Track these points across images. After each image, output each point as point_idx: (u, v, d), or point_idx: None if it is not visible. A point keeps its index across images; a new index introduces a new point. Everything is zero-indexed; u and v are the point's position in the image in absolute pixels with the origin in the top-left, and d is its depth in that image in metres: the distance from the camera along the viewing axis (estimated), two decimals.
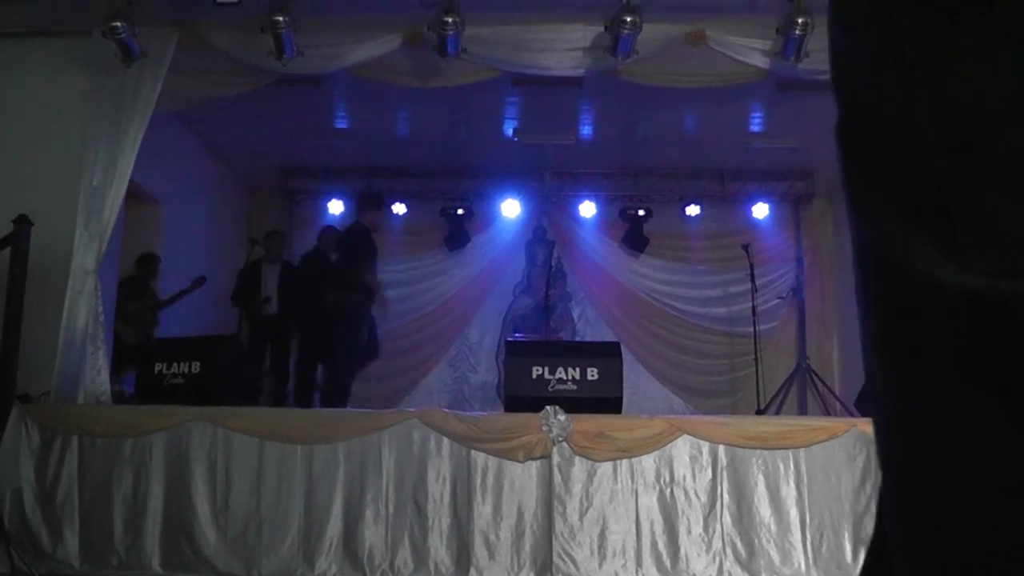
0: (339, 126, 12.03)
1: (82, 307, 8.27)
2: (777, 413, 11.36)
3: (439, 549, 7.46)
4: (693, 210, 13.55)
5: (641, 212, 13.40)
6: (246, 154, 12.69)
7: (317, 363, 10.40)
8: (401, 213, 13.37)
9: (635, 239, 13.51)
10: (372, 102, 10.87)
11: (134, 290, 10.54)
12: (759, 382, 11.54)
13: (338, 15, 8.55)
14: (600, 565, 7.44)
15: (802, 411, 12.32)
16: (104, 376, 8.39)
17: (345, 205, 13.27)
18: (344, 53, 8.63)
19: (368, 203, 10.52)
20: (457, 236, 13.25)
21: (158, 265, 10.88)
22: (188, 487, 7.54)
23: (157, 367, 8.23)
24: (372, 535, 7.47)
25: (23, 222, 7.85)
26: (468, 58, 8.51)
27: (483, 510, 7.51)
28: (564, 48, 8.78)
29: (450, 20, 8.00)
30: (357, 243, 10.10)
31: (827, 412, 11.86)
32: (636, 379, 11.61)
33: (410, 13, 8.34)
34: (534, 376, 8.05)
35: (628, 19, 7.97)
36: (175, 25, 8.66)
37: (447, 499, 7.54)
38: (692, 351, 13.69)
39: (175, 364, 8.20)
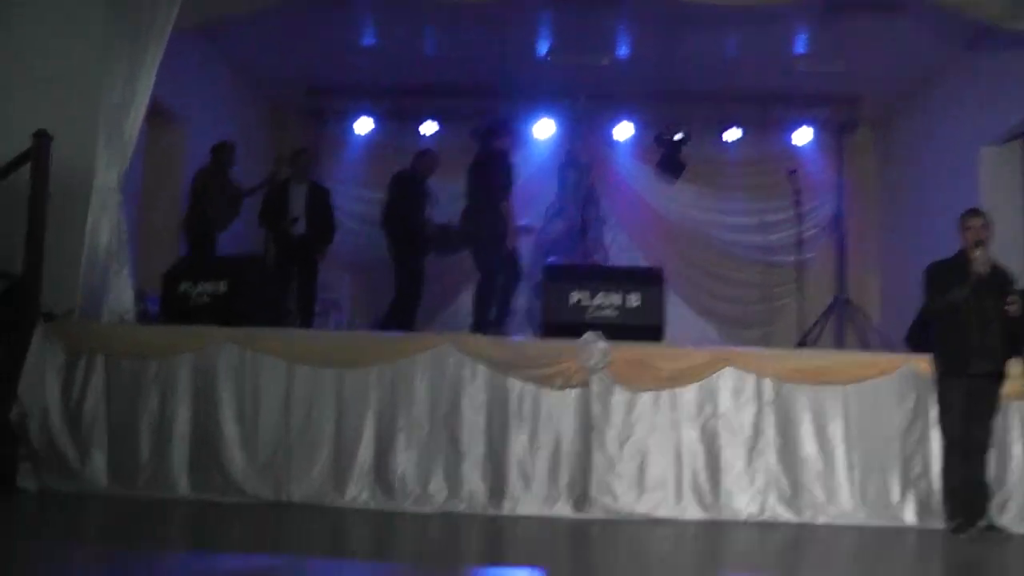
0: (366, 43, 11.58)
1: (105, 224, 8.05)
2: (815, 345, 11.07)
3: (473, 478, 7.27)
4: (733, 135, 13.19)
5: (678, 136, 13.01)
6: (272, 73, 12.35)
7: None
8: (431, 133, 13.03)
9: (671, 164, 13.14)
10: (400, 18, 10.53)
11: (215, 181, 10.45)
12: (800, 313, 11.26)
13: None
14: (639, 498, 7.25)
15: (840, 344, 12.01)
16: (128, 295, 8.15)
17: (375, 123, 12.97)
18: None
19: (503, 129, 10.39)
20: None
21: (234, 153, 10.71)
22: (216, 410, 7.34)
23: (183, 286, 7.98)
24: (404, 461, 7.27)
25: (42, 137, 7.60)
26: None
27: (519, 439, 7.31)
28: None
29: None
30: (500, 170, 9.86)
31: (865, 346, 11.59)
32: (669, 306, 11.28)
33: None
34: (573, 302, 7.79)
35: None
36: None
37: (482, 427, 7.34)
38: (727, 280, 13.44)
39: (201, 283, 7.95)
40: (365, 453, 7.30)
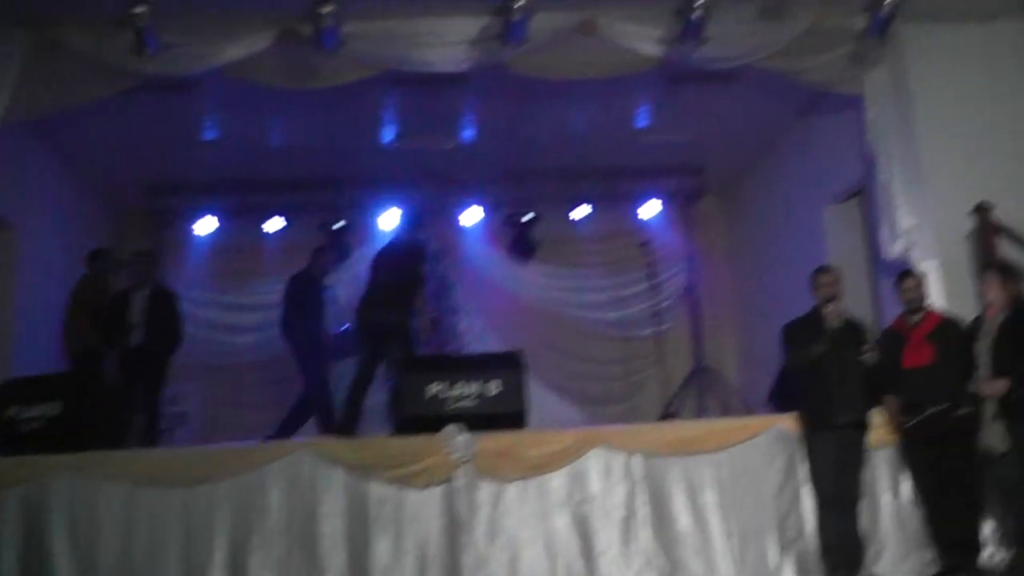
0: (209, 137, 11.13)
1: None
2: (679, 415, 11.00)
3: None
4: (582, 211, 13.16)
5: (528, 217, 12.96)
6: (109, 171, 11.66)
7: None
8: (276, 230, 12.63)
9: (523, 245, 13.10)
10: (244, 109, 10.11)
11: (96, 290, 9.96)
12: (662, 384, 11.18)
13: (206, 10, 7.86)
14: None
15: (703, 412, 11.98)
16: None
17: (219, 222, 12.45)
18: (213, 52, 7.93)
19: (423, 218, 10.12)
20: (337, 251, 12.54)
21: (111, 259, 10.29)
22: (48, 550, 6.72)
23: (10, 411, 7.41)
24: None
25: None
26: (347, 55, 7.94)
27: (381, 545, 6.94)
28: (451, 42, 8.30)
29: (327, 10, 7.41)
30: (417, 261, 9.45)
31: (727, 411, 11.58)
32: (529, 390, 11.09)
33: (285, 6, 7.74)
34: (430, 394, 7.49)
35: (521, 2, 7.49)
36: (24, 26, 7.93)
37: (341, 537, 6.93)
38: (586, 357, 13.28)
39: (31, 406, 7.40)
40: None
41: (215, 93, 9.46)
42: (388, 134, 11.29)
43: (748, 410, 10.62)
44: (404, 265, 9.35)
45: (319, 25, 7.50)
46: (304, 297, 10.11)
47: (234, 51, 7.93)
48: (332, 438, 7.71)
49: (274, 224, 12.65)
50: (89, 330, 9.74)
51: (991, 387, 6.84)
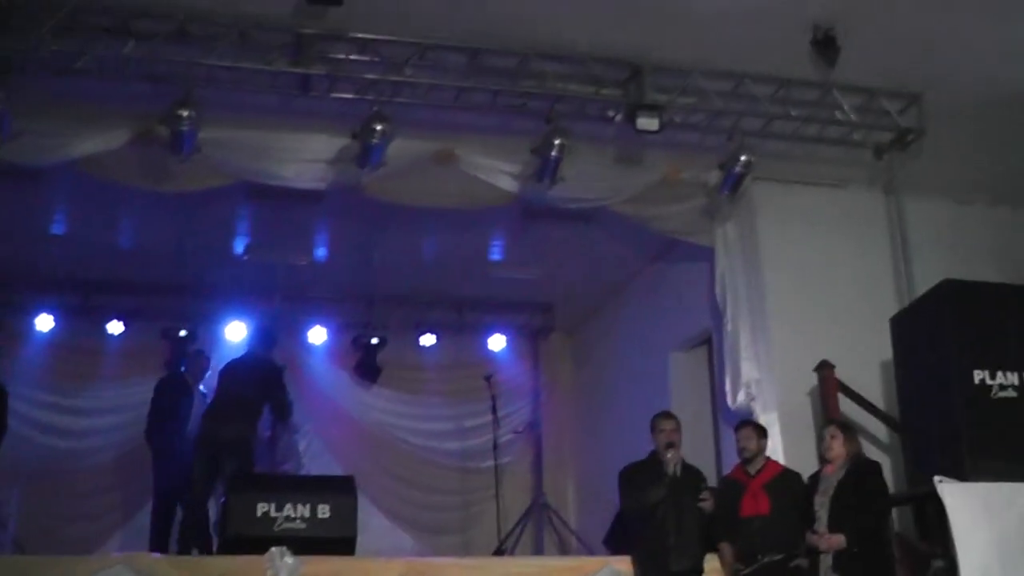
0: (54, 232, 10.71)
1: None
2: (513, 550, 10.91)
3: None
4: (429, 339, 13.11)
5: (375, 340, 12.85)
6: None
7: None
8: (117, 333, 12.19)
9: (367, 368, 12.93)
10: (93, 205, 9.79)
11: None
12: (500, 518, 11.07)
13: (64, 100, 7.67)
14: None
15: (539, 548, 11.95)
16: None
17: (56, 321, 11.94)
18: (67, 144, 7.69)
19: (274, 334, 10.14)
20: (179, 360, 12.21)
21: None
22: None
23: None
24: None
25: None
26: (203, 161, 7.81)
27: None
28: (307, 159, 8.28)
29: (185, 113, 7.28)
30: (272, 378, 9.45)
31: (564, 549, 11.54)
32: (363, 515, 10.81)
33: (144, 105, 7.61)
34: (259, 513, 7.28)
35: (379, 127, 7.52)
36: None
37: None
38: (424, 486, 13.07)
39: None
40: None
41: (65, 187, 9.18)
42: (239, 245, 11.13)
43: (585, 549, 10.61)
44: (257, 380, 9.20)
45: (176, 128, 7.38)
46: (174, 401, 9.90)
47: (89, 145, 7.74)
48: (151, 554, 7.37)
49: (114, 327, 12.25)
50: None
51: (829, 542, 6.95)
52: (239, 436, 8.87)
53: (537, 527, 12.18)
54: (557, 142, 7.85)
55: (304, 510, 7.33)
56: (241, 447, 8.86)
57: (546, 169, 8.05)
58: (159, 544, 9.18)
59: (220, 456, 8.72)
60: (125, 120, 7.78)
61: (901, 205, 9.43)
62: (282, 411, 9.60)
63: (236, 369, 9.43)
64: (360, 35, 7.61)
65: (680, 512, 7.23)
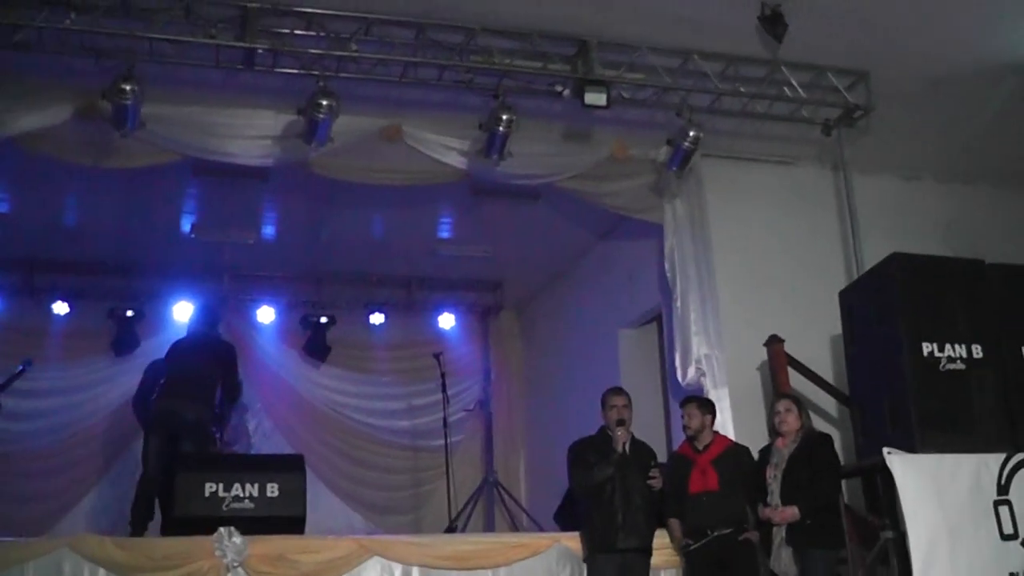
0: None
1: None
2: (464, 528, 10.89)
3: None
4: (378, 318, 13.04)
5: (323, 319, 12.79)
6: None
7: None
8: (63, 313, 11.98)
9: (316, 347, 12.86)
10: (36, 183, 9.61)
11: None
12: (451, 497, 11.05)
13: (1, 75, 7.48)
14: None
15: (489, 526, 11.95)
16: None
17: (2, 301, 11.76)
18: (7, 120, 7.49)
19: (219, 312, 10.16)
20: (125, 340, 12.07)
21: None
22: None
23: None
24: None
25: None
26: (147, 137, 7.68)
27: None
28: (252, 135, 8.17)
29: (128, 88, 7.13)
30: (226, 358, 9.37)
31: (515, 527, 11.55)
32: (313, 495, 10.74)
33: (85, 80, 7.43)
34: (207, 493, 7.20)
35: (325, 103, 7.40)
36: None
37: None
38: (374, 466, 13.05)
39: None
40: None
41: (7, 164, 9.00)
42: (186, 224, 11.01)
43: (535, 527, 10.62)
44: (211, 360, 9.11)
45: (119, 103, 7.22)
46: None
47: (29, 121, 7.58)
48: (96, 536, 7.24)
49: (60, 308, 12.05)
50: None
51: (782, 514, 7.00)
52: (198, 418, 8.77)
53: (488, 505, 12.20)
54: (504, 117, 7.79)
55: (252, 489, 7.25)
56: (200, 429, 8.77)
57: (494, 145, 8.00)
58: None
59: (179, 437, 8.61)
60: (67, 95, 7.63)
61: (849, 182, 9.48)
62: (233, 391, 9.51)
63: (186, 349, 9.30)
64: (305, 9, 7.49)
65: (628, 490, 7.22)
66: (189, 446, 8.54)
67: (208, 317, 9.87)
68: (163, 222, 10.93)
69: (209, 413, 8.94)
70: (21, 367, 9.90)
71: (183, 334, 10.17)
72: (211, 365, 9.18)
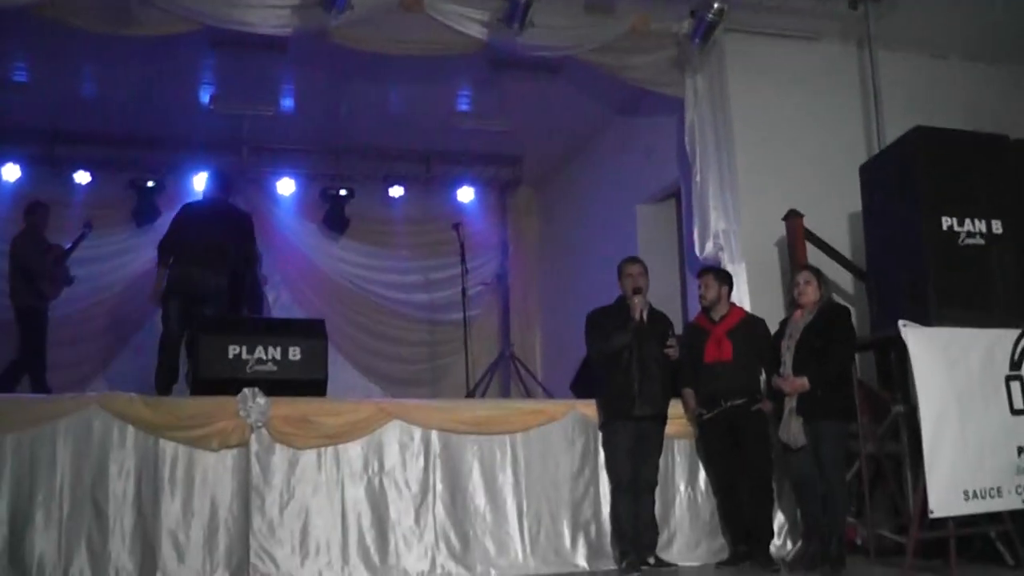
0: (17, 79, 10.46)
1: None
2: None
3: (120, 553, 6.61)
4: (396, 191, 13.06)
5: (343, 192, 12.80)
6: None
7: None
8: (85, 183, 12.03)
9: (335, 220, 12.90)
10: (56, 54, 9.58)
11: (34, 244, 10.23)
12: (468, 368, 11.20)
13: None
14: (302, 563, 6.87)
15: (505, 399, 12.06)
16: None
17: (22, 171, 11.78)
18: None
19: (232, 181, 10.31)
20: (146, 210, 12.11)
21: (48, 213, 10.48)
22: None
23: None
24: (43, 541, 6.49)
25: None
26: (165, 5, 7.63)
27: (171, 507, 6.75)
28: (271, 4, 8.05)
29: None
30: (248, 226, 9.57)
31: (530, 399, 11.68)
32: (332, 367, 10.90)
33: None
34: (230, 356, 7.32)
35: None
36: None
37: (130, 496, 6.71)
38: (392, 339, 13.22)
39: None
40: None
41: (25, 33, 8.95)
42: (205, 96, 10.95)
43: (550, 398, 10.72)
44: (228, 227, 9.18)
45: None
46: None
47: None
48: (126, 394, 7.39)
49: (81, 177, 12.08)
50: (31, 286, 10.14)
51: (792, 384, 7.04)
52: (217, 285, 8.85)
53: (504, 379, 12.36)
54: None
55: (275, 352, 7.34)
56: (220, 296, 8.87)
57: (515, 14, 7.93)
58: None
59: (199, 301, 8.73)
60: None
61: (875, 58, 9.39)
62: (251, 260, 9.60)
63: (203, 215, 9.31)
64: None
65: (645, 358, 7.30)
66: (210, 311, 8.65)
67: (222, 183, 9.87)
68: (182, 94, 10.87)
69: (226, 280, 9.01)
70: (82, 231, 10.52)
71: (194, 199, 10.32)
72: (229, 232, 9.21)
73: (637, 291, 7.43)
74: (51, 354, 10.33)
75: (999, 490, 6.84)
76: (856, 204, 8.30)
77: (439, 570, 7.04)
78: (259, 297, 10.47)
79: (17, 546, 6.44)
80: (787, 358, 7.16)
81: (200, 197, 10.24)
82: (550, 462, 7.45)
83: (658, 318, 7.57)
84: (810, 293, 7.26)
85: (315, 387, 7.46)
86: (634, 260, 7.69)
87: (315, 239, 13.04)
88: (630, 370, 7.28)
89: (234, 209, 9.65)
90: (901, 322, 6.93)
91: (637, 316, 7.37)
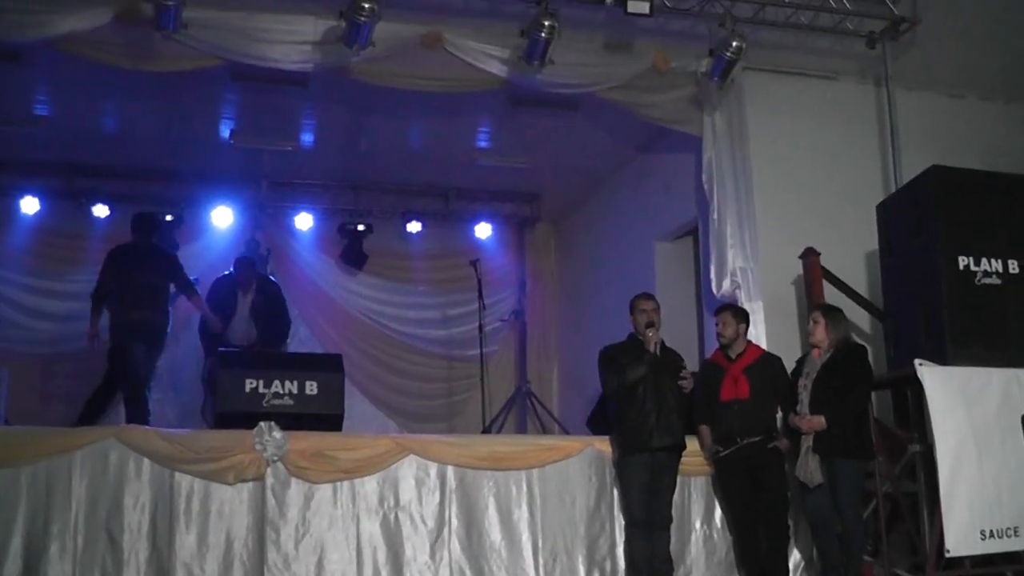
0: (39, 113, 10.56)
1: None
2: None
3: None
4: (415, 227, 13.07)
5: (361, 227, 12.84)
6: None
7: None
8: (103, 216, 12.10)
9: (353, 255, 12.92)
10: (78, 88, 9.67)
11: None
12: (485, 404, 11.19)
13: None
14: None
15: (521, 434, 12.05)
16: None
17: (41, 204, 11.83)
18: (47, 22, 7.56)
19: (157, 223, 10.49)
20: (165, 245, 12.16)
21: None
22: None
23: None
24: (57, 573, 6.49)
25: None
26: (187, 40, 7.70)
27: (187, 540, 6.76)
28: (293, 40, 8.15)
29: None
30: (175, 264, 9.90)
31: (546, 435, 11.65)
32: (349, 402, 10.90)
33: None
34: (248, 390, 7.36)
35: (367, 5, 7.38)
36: None
37: (145, 529, 6.73)
38: (409, 374, 13.19)
39: None
40: (12, 567, 6.45)
41: (48, 67, 9.07)
42: (225, 130, 11.05)
43: (567, 435, 10.70)
44: (160, 269, 9.58)
45: (160, 3, 7.26)
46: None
47: (71, 23, 7.61)
48: (142, 427, 7.43)
49: (100, 211, 12.15)
50: None
51: (810, 423, 7.06)
52: (162, 323, 9.34)
53: (520, 415, 12.33)
54: (546, 24, 7.76)
55: (292, 387, 7.40)
56: (162, 333, 9.36)
57: (535, 51, 7.97)
58: None
59: (153, 342, 9.15)
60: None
61: (892, 97, 9.41)
62: (188, 288, 9.86)
63: (131, 257, 9.65)
64: None
65: (661, 390, 7.31)
66: (155, 351, 9.16)
67: (146, 225, 9.97)
68: (202, 128, 10.96)
69: (165, 318, 9.45)
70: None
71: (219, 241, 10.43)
72: (159, 273, 9.58)
73: (650, 325, 7.44)
74: (60, 387, 10.38)
75: (1016, 530, 6.82)
76: (873, 242, 8.31)
77: None
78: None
79: None
80: (804, 396, 7.18)
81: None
82: (566, 498, 7.44)
83: (671, 353, 7.59)
84: (818, 333, 7.30)
85: (332, 422, 7.50)
86: (647, 296, 7.72)
87: (333, 274, 13.05)
88: (647, 403, 7.28)
89: (158, 249, 9.84)
90: (917, 361, 6.94)
91: (652, 348, 7.38)
